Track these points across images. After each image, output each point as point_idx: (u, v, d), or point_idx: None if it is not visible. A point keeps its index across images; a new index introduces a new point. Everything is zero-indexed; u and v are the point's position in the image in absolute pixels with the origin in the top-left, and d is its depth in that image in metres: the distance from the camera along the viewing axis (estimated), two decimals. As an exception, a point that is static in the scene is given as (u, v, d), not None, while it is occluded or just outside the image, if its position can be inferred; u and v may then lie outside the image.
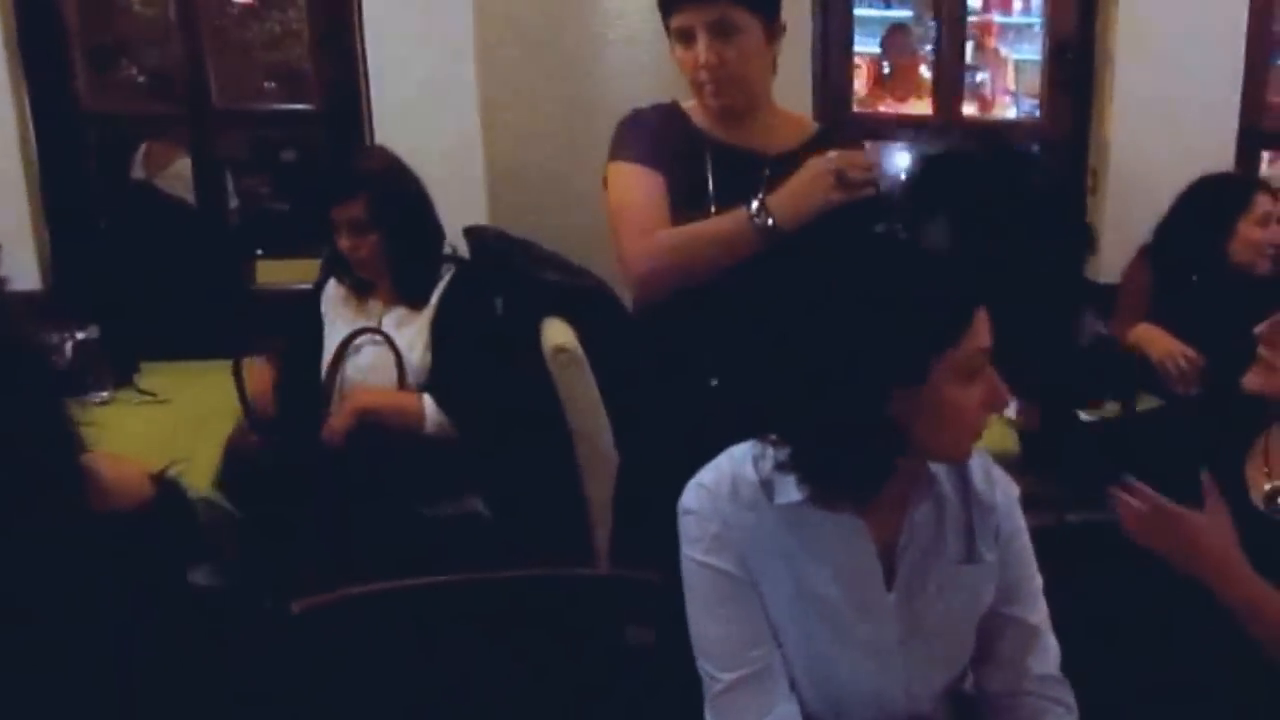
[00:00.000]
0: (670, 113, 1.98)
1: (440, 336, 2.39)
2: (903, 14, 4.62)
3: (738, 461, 1.38)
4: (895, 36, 4.68)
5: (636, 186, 1.90)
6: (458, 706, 1.54)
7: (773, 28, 1.87)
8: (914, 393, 1.22)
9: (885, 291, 1.22)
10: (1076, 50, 3.29)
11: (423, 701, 1.51)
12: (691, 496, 1.38)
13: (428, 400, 2.33)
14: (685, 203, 1.88)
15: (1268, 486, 1.60)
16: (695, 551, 1.36)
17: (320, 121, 2.96)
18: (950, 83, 3.39)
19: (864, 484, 1.30)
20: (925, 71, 5.24)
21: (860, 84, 4.67)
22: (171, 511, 1.31)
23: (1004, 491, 1.42)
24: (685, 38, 1.84)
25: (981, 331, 1.25)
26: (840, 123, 3.24)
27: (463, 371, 2.36)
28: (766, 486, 1.34)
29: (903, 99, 4.77)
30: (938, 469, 1.38)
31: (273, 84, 3.28)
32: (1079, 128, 3.31)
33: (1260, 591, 1.48)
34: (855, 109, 4.28)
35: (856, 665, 1.37)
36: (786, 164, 1.88)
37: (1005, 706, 1.43)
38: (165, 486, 1.31)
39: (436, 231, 2.47)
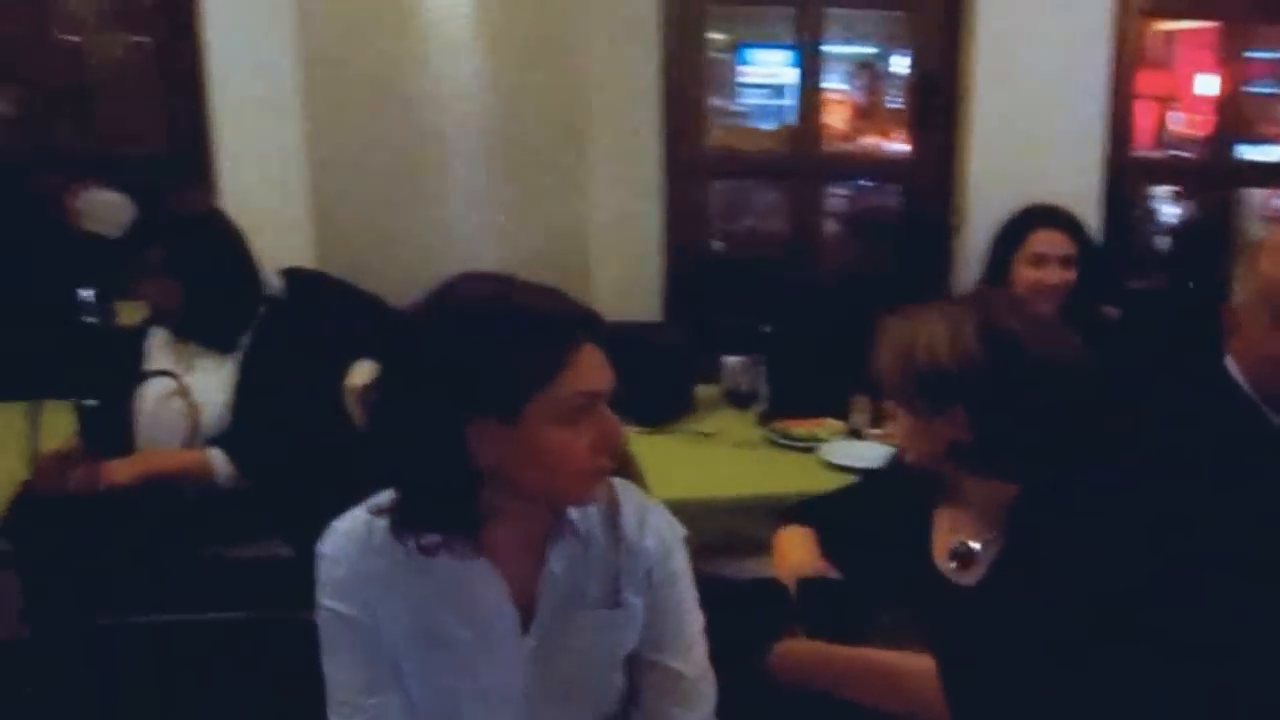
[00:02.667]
0: None
1: (245, 379, 2.39)
2: (866, 50, 4.61)
3: (376, 506, 1.36)
4: (862, 74, 4.72)
5: None
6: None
7: None
8: (506, 435, 1.21)
9: (468, 333, 1.21)
10: (941, 86, 3.24)
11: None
12: (326, 540, 1.37)
13: (215, 455, 2.32)
14: None
15: (950, 546, 1.57)
16: (322, 596, 1.36)
17: (168, 165, 3.02)
18: (810, 114, 3.31)
19: (453, 528, 1.27)
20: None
21: (843, 121, 4.53)
22: None
23: (658, 536, 1.40)
24: None
25: (585, 373, 1.23)
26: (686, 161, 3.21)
27: (260, 419, 2.35)
28: (399, 531, 1.31)
29: (885, 134, 4.77)
30: (584, 512, 1.36)
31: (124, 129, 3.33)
32: (944, 165, 3.26)
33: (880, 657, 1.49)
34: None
35: (484, 712, 1.36)
36: None
37: None
38: None
39: (248, 281, 2.45)
